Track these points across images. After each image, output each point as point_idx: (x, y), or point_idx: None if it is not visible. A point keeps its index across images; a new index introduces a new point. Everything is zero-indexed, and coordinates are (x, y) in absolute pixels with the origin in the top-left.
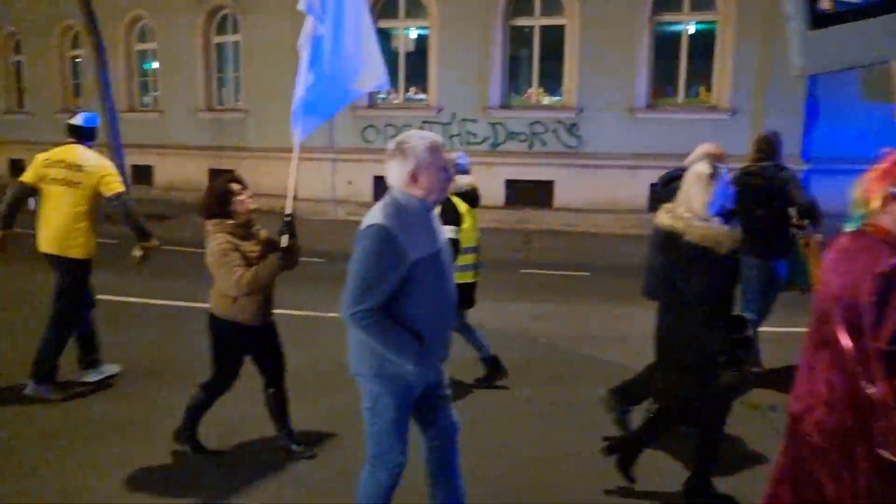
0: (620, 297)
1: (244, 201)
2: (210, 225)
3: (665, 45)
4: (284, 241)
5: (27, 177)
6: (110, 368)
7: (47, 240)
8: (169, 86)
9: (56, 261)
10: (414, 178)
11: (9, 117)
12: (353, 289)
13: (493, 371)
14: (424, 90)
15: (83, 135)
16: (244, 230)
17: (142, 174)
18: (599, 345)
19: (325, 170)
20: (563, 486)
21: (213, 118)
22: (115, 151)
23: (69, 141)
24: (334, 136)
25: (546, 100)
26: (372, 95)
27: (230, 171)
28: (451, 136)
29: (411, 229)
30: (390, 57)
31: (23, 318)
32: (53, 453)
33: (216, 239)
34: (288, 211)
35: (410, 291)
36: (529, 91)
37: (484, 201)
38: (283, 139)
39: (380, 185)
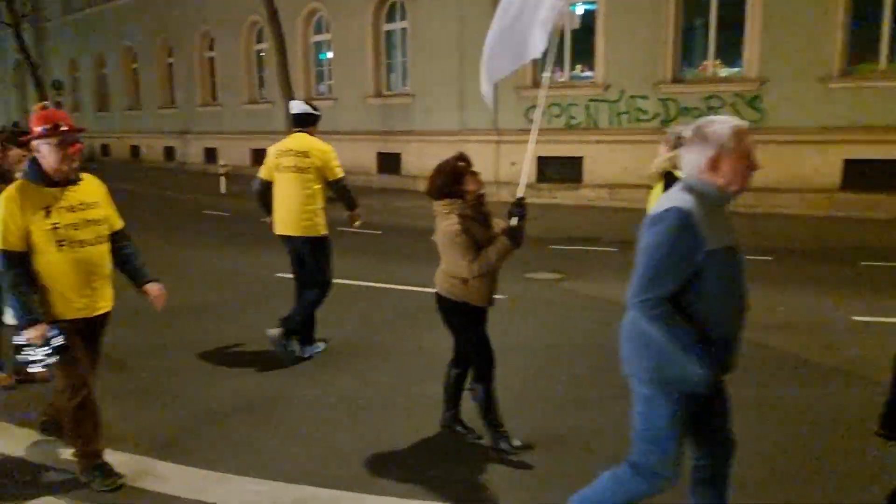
0: (805, 283)
1: (475, 180)
2: (441, 206)
3: (864, 5)
4: (514, 222)
5: (263, 173)
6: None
7: (284, 223)
8: (341, 74)
9: (296, 241)
10: (714, 165)
11: (203, 109)
12: (643, 275)
13: None
14: (591, 67)
15: (306, 122)
16: (475, 211)
17: None
18: (791, 335)
19: (489, 151)
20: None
21: (382, 104)
22: None
23: (295, 130)
24: (498, 118)
25: (724, 72)
26: (537, 75)
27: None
28: (619, 114)
29: (709, 218)
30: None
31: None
32: (314, 418)
33: (448, 220)
34: (520, 193)
35: (701, 286)
36: (705, 63)
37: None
38: (447, 122)
39: (543, 167)
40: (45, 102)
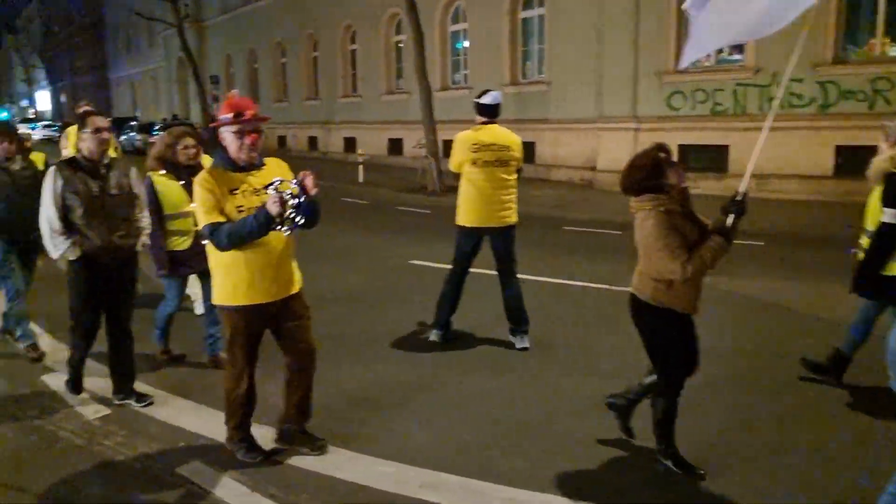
0: None
1: (677, 172)
2: (641, 202)
3: None
4: (730, 220)
5: (455, 166)
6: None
7: (481, 216)
8: (477, 63)
9: (493, 232)
10: None
11: (344, 101)
12: None
13: (837, 365)
14: (740, 49)
15: (494, 113)
16: (681, 207)
17: (451, 149)
18: None
19: (627, 139)
20: None
21: (517, 92)
22: (430, 127)
23: (482, 121)
24: (637, 104)
25: (894, 51)
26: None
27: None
28: (770, 99)
29: None
30: None
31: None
32: (460, 407)
33: (653, 218)
34: (742, 189)
35: None
36: (871, 41)
37: (810, 170)
38: (583, 110)
39: (685, 155)
40: (234, 91)
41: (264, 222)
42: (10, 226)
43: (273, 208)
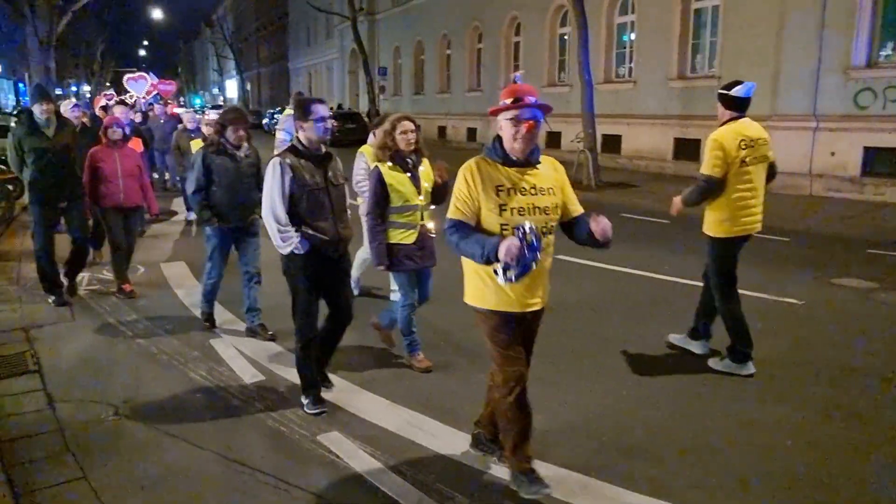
0: None
1: None
2: None
3: None
4: None
5: (721, 170)
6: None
7: (756, 219)
8: (643, 56)
9: (746, 241)
10: None
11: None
12: None
13: None
14: None
15: (746, 106)
16: None
17: (610, 143)
18: None
19: (804, 139)
20: None
21: (684, 86)
22: (590, 121)
23: (733, 115)
24: (818, 101)
25: None
26: (871, 53)
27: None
28: None
29: None
30: None
31: None
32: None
33: None
34: None
35: None
36: None
37: None
38: (756, 105)
39: (871, 158)
40: (515, 74)
41: (487, 257)
42: (228, 212)
43: (505, 254)
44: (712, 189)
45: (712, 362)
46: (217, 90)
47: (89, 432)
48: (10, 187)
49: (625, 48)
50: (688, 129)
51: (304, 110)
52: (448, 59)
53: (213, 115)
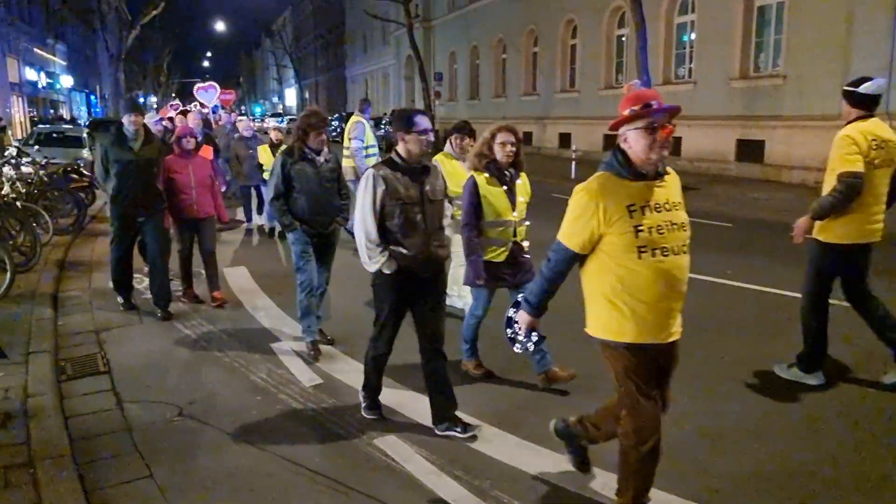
0: None
1: None
2: None
3: None
4: None
5: (861, 165)
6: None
7: (869, 227)
8: (704, 56)
9: (864, 249)
10: None
11: (561, 96)
12: None
13: None
14: None
15: (875, 105)
16: None
17: (672, 144)
18: None
19: None
20: None
21: (746, 86)
22: None
23: (860, 114)
24: (891, 100)
25: None
26: None
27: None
28: None
29: None
30: None
31: None
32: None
33: None
34: None
35: None
36: None
37: None
38: (824, 105)
39: None
40: (635, 81)
41: (536, 308)
42: (310, 218)
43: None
44: (858, 187)
45: (778, 369)
46: (277, 98)
47: (155, 432)
48: (83, 195)
49: (684, 48)
50: (750, 130)
51: (406, 121)
52: (503, 63)
53: (271, 122)
